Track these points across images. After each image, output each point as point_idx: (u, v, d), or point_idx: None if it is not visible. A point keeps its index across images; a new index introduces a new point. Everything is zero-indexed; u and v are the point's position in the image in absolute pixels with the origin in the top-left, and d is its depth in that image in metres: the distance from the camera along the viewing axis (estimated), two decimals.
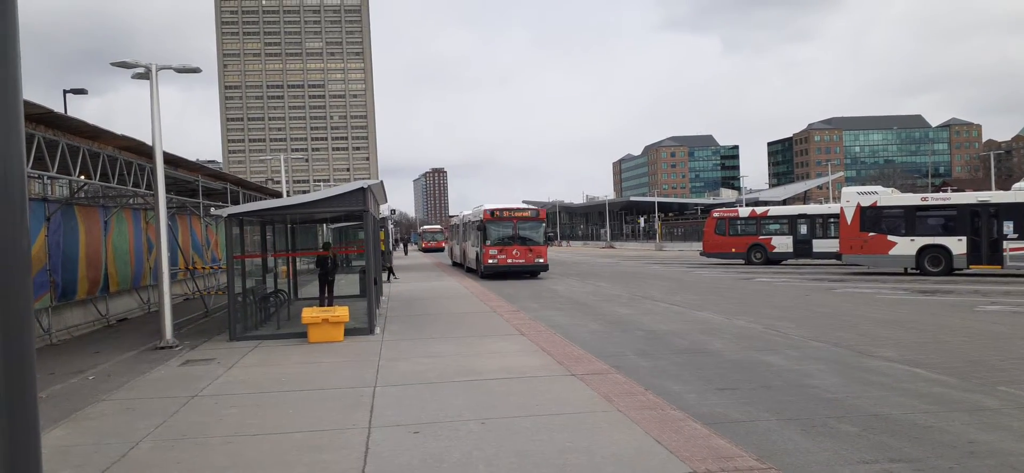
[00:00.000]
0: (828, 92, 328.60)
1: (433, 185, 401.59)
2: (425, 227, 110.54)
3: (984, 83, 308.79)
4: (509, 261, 31.31)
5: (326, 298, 18.21)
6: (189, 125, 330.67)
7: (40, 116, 11.58)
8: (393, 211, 55.65)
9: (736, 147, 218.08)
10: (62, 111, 13.07)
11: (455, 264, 45.81)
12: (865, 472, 6.24)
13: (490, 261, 31.25)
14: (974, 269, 27.54)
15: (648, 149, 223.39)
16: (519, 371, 10.44)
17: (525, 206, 33.90)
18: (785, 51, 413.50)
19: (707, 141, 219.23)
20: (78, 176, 13.86)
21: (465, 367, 10.90)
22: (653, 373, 10.98)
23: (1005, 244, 26.66)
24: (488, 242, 31.45)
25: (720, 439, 6.96)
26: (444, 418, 7.95)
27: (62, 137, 12.62)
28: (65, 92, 27.41)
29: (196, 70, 15.74)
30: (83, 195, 18.47)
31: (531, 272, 32.38)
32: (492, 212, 31.82)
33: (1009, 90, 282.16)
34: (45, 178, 15.65)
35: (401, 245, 71.90)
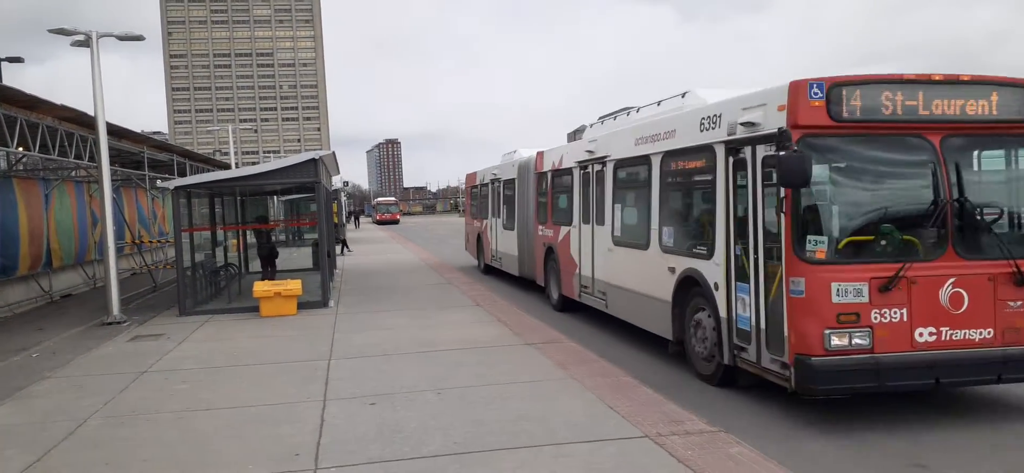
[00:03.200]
0: (783, 64, 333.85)
1: (387, 156, 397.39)
2: (379, 199, 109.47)
3: (931, 56, 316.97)
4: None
5: (268, 275, 17.84)
6: (138, 95, 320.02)
7: None
8: (346, 183, 50.25)
9: None
10: None
11: (487, 267, 21.52)
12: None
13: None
14: None
15: (603, 118, 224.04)
16: (475, 341, 10.48)
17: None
18: (741, 21, 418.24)
19: None
20: (16, 148, 13.37)
21: (421, 338, 10.90)
22: (608, 341, 11.16)
23: None
24: (837, 230, 6.89)
25: (671, 404, 7.11)
26: (400, 389, 7.96)
27: None
28: None
29: (139, 38, 15.25)
30: (22, 168, 17.82)
31: None
32: (850, 87, 6.71)
33: (956, 64, 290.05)
34: None
35: (353, 218, 70.75)
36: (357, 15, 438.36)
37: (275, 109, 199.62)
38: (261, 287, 13.85)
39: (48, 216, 18.07)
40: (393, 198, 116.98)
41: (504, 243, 19.17)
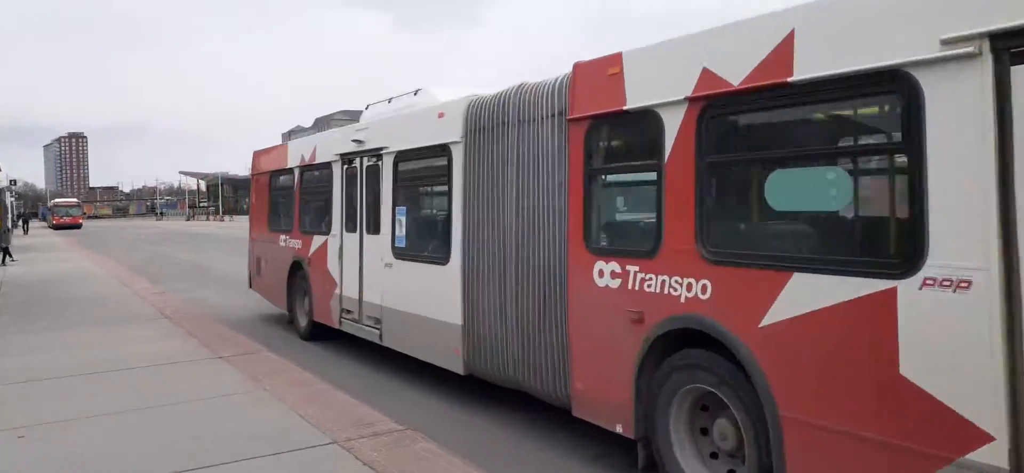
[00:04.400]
0: (495, 75, 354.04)
1: (69, 152, 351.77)
2: (57, 200, 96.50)
3: None
4: None
5: None
6: None
7: None
8: (13, 182, 42.83)
9: None
10: None
11: (317, 327, 11.51)
12: None
13: None
14: None
15: (318, 122, 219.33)
16: (159, 358, 9.61)
17: None
18: (455, 34, 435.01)
19: None
20: None
21: (95, 358, 9.72)
22: (309, 350, 10.94)
23: None
24: None
25: (366, 408, 7.14)
26: (61, 418, 7.02)
27: None
28: None
29: None
30: None
31: None
32: None
33: None
34: None
35: (22, 221, 61.26)
36: None
37: None
38: None
39: None
40: (74, 199, 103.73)
41: (399, 289, 9.06)
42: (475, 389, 7.93)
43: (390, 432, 6.36)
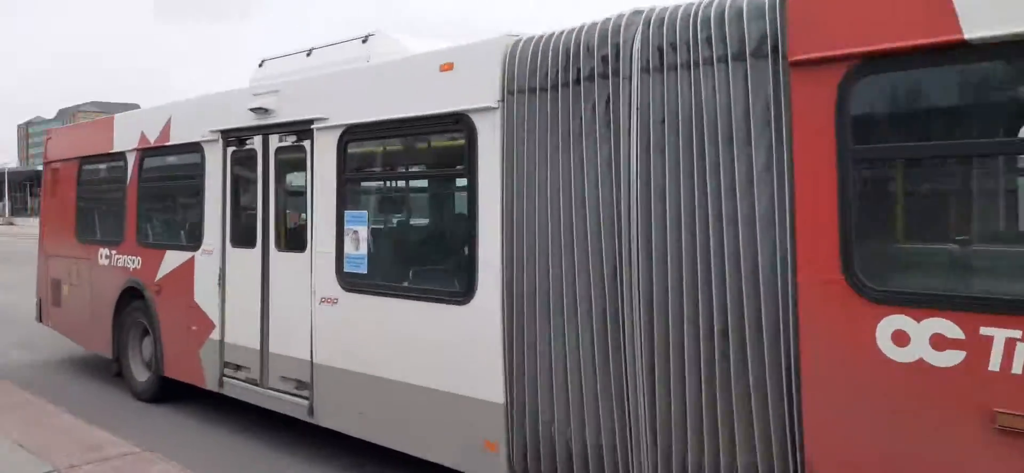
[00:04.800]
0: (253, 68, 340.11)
1: None
2: None
3: None
4: None
5: None
6: None
7: None
8: None
9: None
10: None
11: (164, 383, 7.98)
12: None
13: None
14: None
15: (63, 113, 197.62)
16: None
17: None
18: (224, 26, 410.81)
19: (132, 109, 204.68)
20: None
21: None
22: (38, 367, 9.88)
23: None
24: None
25: (98, 430, 6.59)
26: None
27: None
28: None
29: None
30: None
31: None
32: None
33: None
34: None
35: None
36: None
37: None
38: None
39: None
40: None
41: (354, 339, 5.86)
42: (238, 406, 7.53)
43: (122, 455, 5.94)
